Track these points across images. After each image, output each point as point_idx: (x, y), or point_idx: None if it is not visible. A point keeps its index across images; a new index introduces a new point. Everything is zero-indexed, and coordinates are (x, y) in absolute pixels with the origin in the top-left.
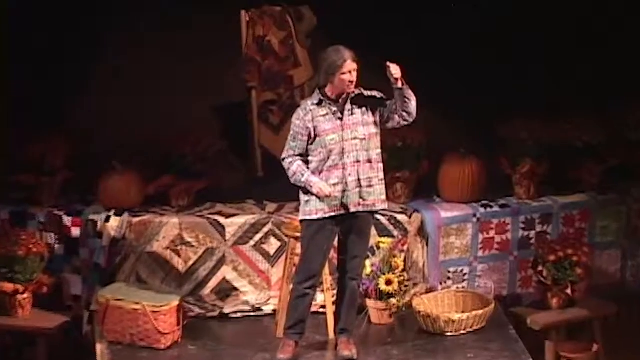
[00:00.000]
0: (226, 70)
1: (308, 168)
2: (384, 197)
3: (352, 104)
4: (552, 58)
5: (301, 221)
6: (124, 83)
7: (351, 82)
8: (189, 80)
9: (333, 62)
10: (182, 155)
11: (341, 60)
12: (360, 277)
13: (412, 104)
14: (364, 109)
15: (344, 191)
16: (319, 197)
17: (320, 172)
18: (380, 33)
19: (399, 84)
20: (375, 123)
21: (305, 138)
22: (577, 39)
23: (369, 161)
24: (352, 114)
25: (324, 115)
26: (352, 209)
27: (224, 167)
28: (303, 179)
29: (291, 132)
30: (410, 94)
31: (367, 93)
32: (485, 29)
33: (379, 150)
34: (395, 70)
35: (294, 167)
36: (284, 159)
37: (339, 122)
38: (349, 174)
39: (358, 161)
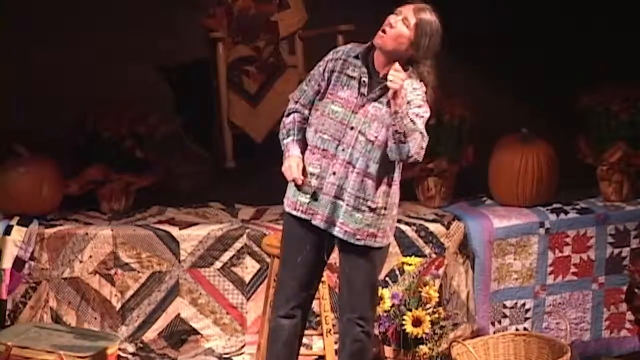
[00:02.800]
0: (180, 15)
1: (301, 130)
2: (373, 230)
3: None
4: None
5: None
6: (30, 34)
7: (385, 26)
8: (127, 31)
9: None
10: (117, 139)
11: None
12: (367, 321)
13: (403, 148)
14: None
15: (319, 190)
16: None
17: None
18: None
19: (392, 103)
20: None
21: (317, 88)
22: None
23: (369, 176)
24: (379, 102)
25: (349, 77)
26: (317, 223)
27: (178, 156)
28: (285, 141)
29: (311, 72)
30: (404, 127)
31: (411, 89)
32: None
33: (396, 173)
34: (394, 77)
35: (288, 118)
36: (289, 100)
37: (358, 98)
38: (333, 173)
39: (352, 164)
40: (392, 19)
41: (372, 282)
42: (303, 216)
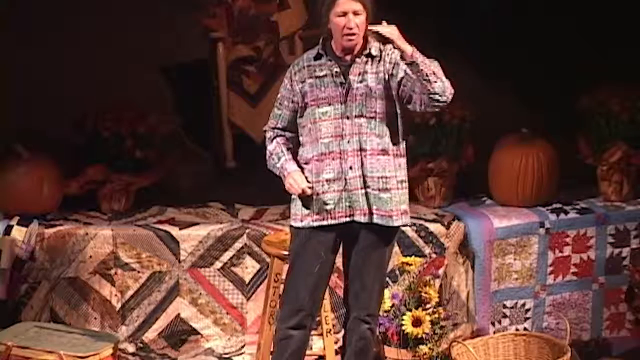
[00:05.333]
0: (180, 15)
1: (289, 150)
2: (404, 207)
3: (365, 65)
4: None
5: (290, 228)
6: (30, 34)
7: (350, 31)
8: (127, 31)
9: None
10: (117, 139)
11: None
12: (374, 318)
13: (437, 85)
14: (380, 74)
15: (343, 191)
16: (300, 198)
17: (309, 161)
18: None
19: (409, 58)
20: (396, 98)
21: (292, 106)
22: None
23: (384, 152)
24: (362, 80)
25: (321, 77)
26: (359, 218)
27: (178, 155)
28: (278, 164)
29: (278, 95)
30: (430, 71)
31: (389, 51)
32: None
33: (402, 144)
34: (390, 33)
35: (272, 145)
36: (265, 131)
37: (339, 89)
38: (349, 167)
39: (362, 149)
40: (350, 23)
41: (382, 276)
42: (327, 222)
